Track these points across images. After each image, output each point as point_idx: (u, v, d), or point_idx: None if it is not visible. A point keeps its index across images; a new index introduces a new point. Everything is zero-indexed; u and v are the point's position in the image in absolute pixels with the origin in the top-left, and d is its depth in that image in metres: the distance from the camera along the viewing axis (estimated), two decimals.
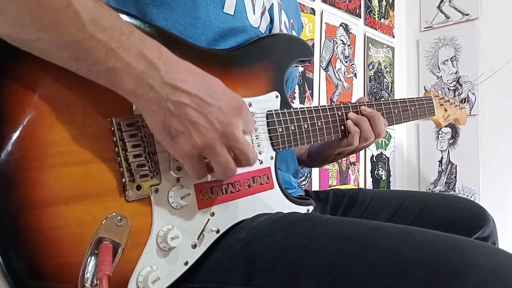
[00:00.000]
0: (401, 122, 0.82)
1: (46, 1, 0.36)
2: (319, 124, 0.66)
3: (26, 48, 0.39)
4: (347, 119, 0.70)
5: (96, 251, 0.41)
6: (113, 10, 0.41)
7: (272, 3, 0.69)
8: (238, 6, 0.61)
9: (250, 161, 0.46)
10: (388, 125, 0.77)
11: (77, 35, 0.38)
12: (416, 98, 0.88)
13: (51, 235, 0.40)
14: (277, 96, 0.62)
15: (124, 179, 0.44)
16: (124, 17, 0.47)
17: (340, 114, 0.70)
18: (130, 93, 0.42)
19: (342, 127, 0.70)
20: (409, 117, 0.84)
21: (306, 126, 0.63)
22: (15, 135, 0.39)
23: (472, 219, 0.71)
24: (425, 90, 1.32)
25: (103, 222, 0.42)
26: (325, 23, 1.69)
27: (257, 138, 0.58)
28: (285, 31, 0.73)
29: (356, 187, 1.81)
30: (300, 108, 0.64)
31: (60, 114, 0.41)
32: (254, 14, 0.64)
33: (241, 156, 0.46)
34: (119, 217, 0.43)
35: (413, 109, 0.85)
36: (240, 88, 0.58)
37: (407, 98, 0.84)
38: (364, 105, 0.73)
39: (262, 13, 0.67)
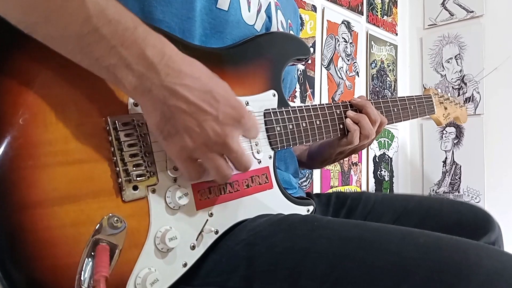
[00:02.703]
0: (401, 121, 0.82)
1: None
2: (318, 122, 0.65)
3: (31, 31, 0.39)
4: (346, 117, 0.70)
5: (92, 253, 0.41)
6: (119, 2, 0.41)
7: (269, 3, 0.68)
8: (233, 2, 0.61)
9: (242, 169, 0.47)
10: (388, 124, 0.77)
11: (83, 27, 0.38)
12: (415, 96, 0.88)
13: (46, 236, 0.39)
14: (274, 95, 0.61)
15: (120, 179, 0.44)
16: None
17: (338, 112, 0.69)
18: (129, 92, 0.42)
19: (341, 126, 0.70)
20: (409, 115, 0.84)
21: (304, 125, 0.63)
22: (9, 134, 0.39)
23: (477, 224, 0.69)
24: (425, 88, 1.31)
25: (99, 223, 0.42)
26: (327, 20, 1.68)
27: None
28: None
29: (359, 189, 1.79)
30: (298, 106, 0.63)
31: (54, 113, 0.41)
32: (249, 11, 0.64)
33: (234, 163, 0.47)
34: (115, 218, 0.43)
35: (412, 107, 0.85)
36: (236, 87, 0.57)
37: (407, 97, 0.85)
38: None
39: (258, 11, 0.66)
